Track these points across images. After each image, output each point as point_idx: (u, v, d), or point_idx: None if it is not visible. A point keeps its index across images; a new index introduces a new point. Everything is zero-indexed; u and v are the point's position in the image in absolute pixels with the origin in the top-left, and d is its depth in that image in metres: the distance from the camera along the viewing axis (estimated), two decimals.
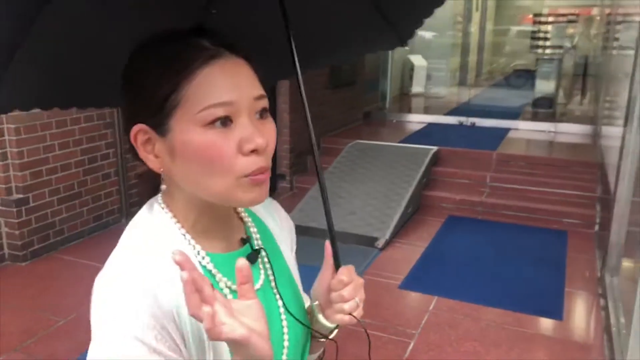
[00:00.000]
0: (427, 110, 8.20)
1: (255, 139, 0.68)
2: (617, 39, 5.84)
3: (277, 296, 0.81)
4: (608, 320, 2.84)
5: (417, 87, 9.12)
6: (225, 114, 0.67)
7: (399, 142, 5.77)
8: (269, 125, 0.73)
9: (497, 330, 2.89)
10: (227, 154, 0.68)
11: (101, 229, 4.08)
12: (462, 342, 2.78)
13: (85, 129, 3.93)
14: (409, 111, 7.98)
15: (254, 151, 0.69)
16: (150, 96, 0.69)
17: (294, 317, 0.81)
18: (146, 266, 0.68)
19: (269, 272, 0.81)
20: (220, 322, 0.59)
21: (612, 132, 4.35)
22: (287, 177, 5.36)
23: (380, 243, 3.96)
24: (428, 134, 6.46)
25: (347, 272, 0.82)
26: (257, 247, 0.81)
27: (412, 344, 2.75)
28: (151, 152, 0.72)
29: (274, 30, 0.87)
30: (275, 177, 5.32)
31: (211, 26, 0.74)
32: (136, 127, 0.71)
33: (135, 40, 0.72)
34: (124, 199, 4.28)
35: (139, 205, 0.78)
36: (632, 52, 3.55)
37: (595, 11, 11.02)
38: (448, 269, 3.66)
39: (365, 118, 7.16)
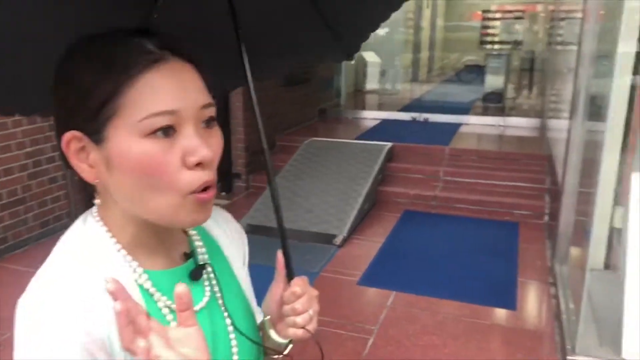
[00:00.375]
0: (381, 107, 8.27)
1: (200, 150, 0.63)
2: (560, 35, 6.05)
3: (225, 314, 0.75)
4: (558, 308, 2.94)
5: (371, 84, 9.20)
6: (168, 123, 0.62)
7: (355, 139, 5.80)
8: (216, 136, 0.67)
9: (454, 322, 2.94)
10: (169, 168, 0.62)
11: (48, 235, 3.92)
12: (420, 336, 2.81)
13: (28, 132, 3.76)
14: (364, 108, 8.03)
15: (199, 164, 0.63)
16: (85, 101, 0.63)
17: (244, 335, 0.76)
18: (75, 290, 0.61)
19: (216, 288, 0.76)
20: (156, 355, 0.55)
21: (559, 125, 4.50)
22: (242, 176, 5.30)
23: (338, 240, 3.97)
24: (382, 130, 6.52)
25: (300, 283, 0.77)
26: (201, 262, 0.75)
27: (371, 340, 2.77)
28: (85, 161, 0.66)
29: (225, 37, 0.84)
30: (230, 177, 5.25)
31: (157, 28, 0.68)
32: (69, 134, 0.65)
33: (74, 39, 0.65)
34: (72, 203, 4.12)
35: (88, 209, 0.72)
36: (574, 47, 3.68)
37: (539, 8, 11.40)
38: (405, 263, 3.70)
39: (320, 115, 7.16)
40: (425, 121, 6.93)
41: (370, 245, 3.97)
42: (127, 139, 0.62)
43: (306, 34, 1.04)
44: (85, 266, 0.64)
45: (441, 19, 14.07)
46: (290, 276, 0.80)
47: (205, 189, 0.65)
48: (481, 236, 4.18)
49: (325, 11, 0.99)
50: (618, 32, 2.46)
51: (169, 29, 0.70)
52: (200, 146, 0.63)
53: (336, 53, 1.15)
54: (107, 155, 0.64)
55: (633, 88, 2.69)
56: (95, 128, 0.63)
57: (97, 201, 0.69)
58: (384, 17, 1.04)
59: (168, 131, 0.62)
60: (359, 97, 8.88)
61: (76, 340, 0.59)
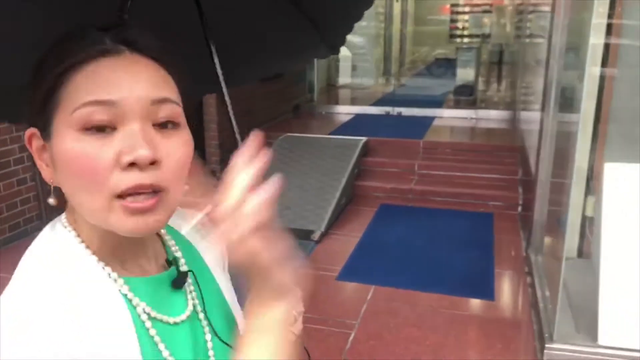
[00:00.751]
0: (354, 102, 8.29)
1: (137, 148, 0.55)
2: (528, 28, 6.15)
3: (205, 322, 0.70)
4: (535, 297, 2.99)
5: (343, 79, 9.21)
6: (104, 116, 0.55)
7: (329, 134, 5.80)
8: (176, 140, 0.59)
9: (433, 314, 2.96)
10: (101, 166, 0.55)
11: (19, 238, 3.81)
12: (401, 328, 2.83)
13: None
14: (337, 103, 8.04)
15: (133, 165, 0.55)
16: (35, 94, 0.59)
17: (224, 343, 0.71)
18: (53, 295, 0.56)
19: (196, 300, 0.71)
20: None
21: (530, 117, 4.57)
22: (217, 174, 5.23)
23: (316, 236, 3.96)
24: (357, 124, 6.53)
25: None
26: (183, 270, 0.70)
27: (352, 335, 2.77)
28: (44, 159, 0.61)
29: (198, 43, 0.82)
30: None
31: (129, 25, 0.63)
32: (29, 131, 0.61)
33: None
34: (42, 204, 4.01)
35: (60, 210, 0.67)
36: (543, 40, 3.74)
37: (507, 1, 11.55)
38: (383, 257, 3.72)
39: (294, 111, 7.13)
40: (399, 115, 6.97)
41: (348, 240, 3.97)
42: (64, 134, 0.57)
43: (290, 34, 1.03)
44: (56, 271, 0.59)
45: (411, 12, 14.15)
46: None
47: (139, 194, 0.57)
48: (457, 228, 4.23)
49: (308, 7, 0.98)
50: (588, 25, 2.51)
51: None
52: (138, 144, 0.55)
53: (320, 49, 1.13)
54: (52, 152, 0.59)
55: (603, 79, 2.75)
56: (43, 123, 0.59)
57: (50, 200, 0.63)
58: (367, 5, 1.03)
59: (105, 125, 0.56)
60: (331, 92, 8.88)
61: (64, 341, 0.55)
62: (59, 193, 0.62)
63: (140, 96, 0.57)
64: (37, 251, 0.62)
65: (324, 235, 4.01)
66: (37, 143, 0.61)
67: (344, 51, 9.22)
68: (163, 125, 0.59)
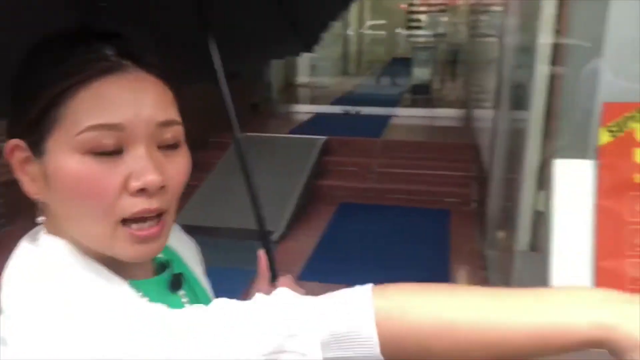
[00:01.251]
0: (313, 101, 8.30)
1: (146, 174, 0.54)
2: (481, 28, 6.29)
3: None
4: None
5: (302, 78, 9.20)
6: (111, 140, 0.54)
7: (288, 134, 5.78)
8: (179, 161, 0.59)
9: None
10: (109, 191, 0.54)
11: None
12: None
13: None
14: (296, 102, 8.03)
15: (142, 190, 0.55)
16: (27, 107, 0.56)
17: None
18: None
19: (190, 298, 0.70)
20: None
21: (483, 115, 4.67)
22: None
23: (275, 236, 3.94)
24: (316, 124, 6.54)
25: (288, 283, 0.73)
26: (177, 272, 0.69)
27: None
28: (28, 173, 0.58)
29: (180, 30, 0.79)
30: None
31: (123, 31, 0.60)
32: (12, 142, 0.58)
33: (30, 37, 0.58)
34: (6, 203, 3.83)
35: (25, 209, 0.63)
36: (495, 39, 3.83)
37: (461, 1, 11.78)
38: (344, 255, 3.73)
39: (252, 110, 7.07)
40: (358, 114, 7.01)
41: (308, 240, 3.97)
42: (65, 155, 0.55)
43: (262, 24, 1.00)
44: (70, 273, 0.56)
45: (368, 12, 14.27)
46: (273, 275, 0.76)
47: (144, 220, 0.56)
48: (415, 225, 4.29)
49: (287, 2, 0.96)
50: (537, 25, 2.58)
51: (114, 20, 0.63)
52: (148, 169, 0.54)
53: (293, 45, 1.11)
54: (46, 170, 0.56)
55: (552, 77, 2.84)
56: (36, 139, 0.56)
57: (40, 218, 0.61)
58: (344, 6, 1.02)
59: (112, 149, 0.54)
60: (290, 91, 8.86)
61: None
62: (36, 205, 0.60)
63: (147, 119, 0.55)
64: (29, 266, 0.57)
65: (283, 236, 3.99)
66: (20, 155, 0.58)
67: None
68: (167, 147, 0.58)
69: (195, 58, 0.83)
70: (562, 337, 0.47)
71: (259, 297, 0.52)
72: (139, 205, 0.55)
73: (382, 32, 14.10)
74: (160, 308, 0.51)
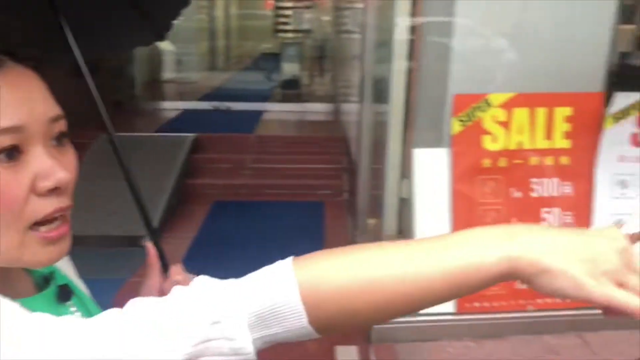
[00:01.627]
0: (181, 97, 8.02)
1: (55, 172, 0.53)
2: (345, 24, 6.52)
3: None
4: None
5: (168, 73, 8.85)
6: (12, 142, 0.50)
7: (155, 132, 5.53)
8: (70, 155, 0.57)
9: None
10: (17, 197, 0.51)
11: None
12: None
13: None
14: (162, 98, 7.71)
15: (54, 190, 0.53)
16: None
17: None
18: None
19: (78, 307, 0.67)
20: None
21: (350, 109, 4.85)
22: None
23: (144, 241, 3.75)
24: (184, 121, 6.34)
25: (179, 271, 0.74)
26: (61, 284, 0.65)
27: None
28: None
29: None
30: None
31: None
32: None
33: None
34: None
35: None
36: (359, 35, 3.98)
37: None
38: (218, 255, 3.66)
39: (115, 107, 6.65)
40: (228, 110, 6.91)
41: (180, 242, 3.84)
42: None
43: (111, 15, 0.93)
44: None
45: (235, 6, 14.12)
46: (165, 266, 0.77)
47: (52, 221, 0.54)
48: (291, 218, 4.34)
49: None
50: (393, 22, 2.73)
51: None
52: (55, 168, 0.53)
53: (145, 34, 1.05)
54: None
55: (410, 71, 3.01)
56: None
57: None
58: None
59: (12, 153, 0.51)
60: (156, 88, 8.48)
61: None
62: None
63: (40, 116, 0.53)
64: None
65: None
66: None
67: (166, 45, 8.85)
68: (59, 142, 0.56)
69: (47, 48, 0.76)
70: (475, 276, 0.49)
71: (177, 290, 0.50)
72: (50, 205, 0.53)
73: (250, 27, 14.05)
74: (70, 318, 0.50)
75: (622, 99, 2.29)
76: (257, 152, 5.23)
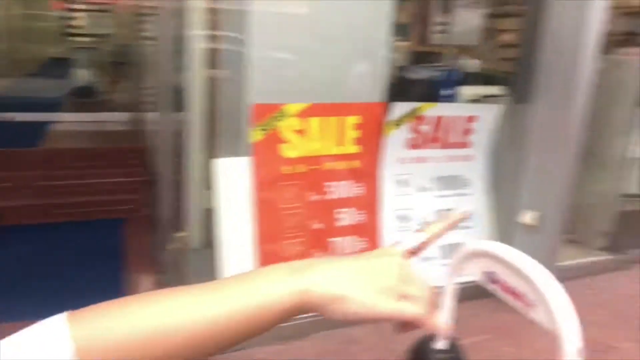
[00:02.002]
0: None
1: None
2: (146, 30, 6.22)
3: None
4: None
5: None
6: None
7: None
8: None
9: None
10: None
11: None
12: None
13: None
14: None
15: None
16: None
17: None
18: None
19: None
20: None
21: (151, 118, 4.64)
22: None
23: None
24: None
25: None
26: None
27: None
28: None
29: None
30: None
31: None
32: None
33: None
34: None
35: None
36: (164, 43, 3.81)
37: (128, 2, 11.46)
38: (5, 290, 3.17)
39: None
40: (12, 121, 6.11)
41: None
42: None
43: None
44: None
45: (19, 6, 12.59)
46: None
47: None
48: (87, 239, 3.98)
49: None
50: (190, 30, 2.66)
51: None
52: None
53: None
54: None
55: (211, 81, 2.97)
56: None
57: None
58: None
59: None
60: None
61: None
62: None
63: None
64: None
65: None
66: None
67: None
68: None
69: None
70: (268, 314, 0.50)
71: None
72: None
73: (35, 29, 12.64)
74: None
75: (399, 108, 2.56)
76: (44, 168, 4.68)
